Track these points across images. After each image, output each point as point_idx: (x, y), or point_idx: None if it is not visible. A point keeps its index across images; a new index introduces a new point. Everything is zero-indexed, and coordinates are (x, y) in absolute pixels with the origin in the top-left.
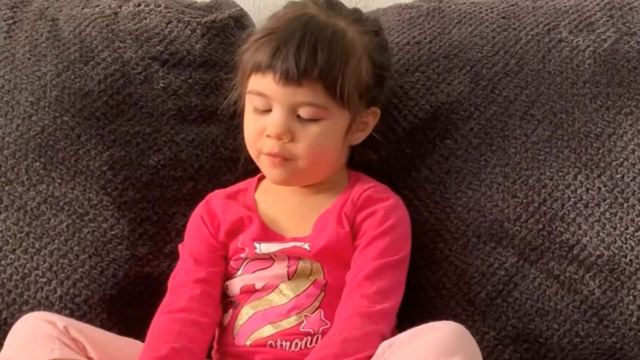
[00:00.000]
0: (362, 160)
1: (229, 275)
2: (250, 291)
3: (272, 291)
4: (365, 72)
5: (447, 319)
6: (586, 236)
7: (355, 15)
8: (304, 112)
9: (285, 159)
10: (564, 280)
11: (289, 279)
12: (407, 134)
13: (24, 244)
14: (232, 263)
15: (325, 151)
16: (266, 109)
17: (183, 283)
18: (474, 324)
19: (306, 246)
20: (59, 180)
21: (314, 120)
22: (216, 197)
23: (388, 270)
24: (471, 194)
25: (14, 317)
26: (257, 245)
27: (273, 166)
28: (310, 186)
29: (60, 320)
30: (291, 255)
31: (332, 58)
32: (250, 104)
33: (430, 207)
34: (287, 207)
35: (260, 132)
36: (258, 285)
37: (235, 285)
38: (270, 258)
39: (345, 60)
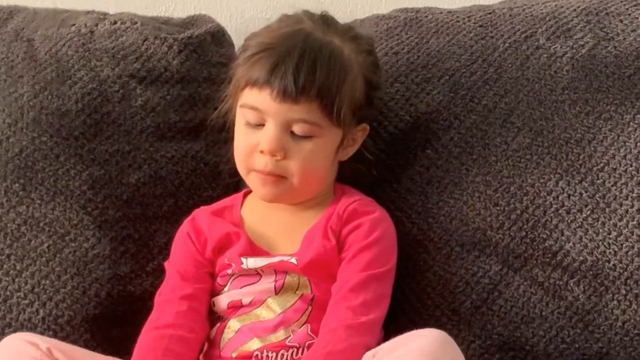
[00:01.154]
0: (352, 174)
1: (215, 292)
2: (237, 306)
3: (260, 306)
4: (359, 91)
5: (432, 328)
6: (569, 242)
7: (351, 34)
8: (297, 128)
9: (278, 178)
10: (548, 287)
11: (276, 294)
12: (387, 145)
13: (5, 265)
14: (219, 279)
15: (317, 168)
16: (259, 124)
17: (169, 299)
18: (459, 333)
19: (293, 260)
20: (38, 201)
21: (307, 137)
22: (202, 214)
23: (373, 282)
24: (453, 204)
25: None
26: (244, 260)
27: (264, 184)
28: (296, 204)
29: (43, 342)
30: (278, 270)
31: (330, 77)
32: (243, 117)
33: (413, 218)
34: (274, 224)
35: (252, 148)
36: (245, 301)
37: (222, 301)
38: (257, 273)
39: (342, 79)
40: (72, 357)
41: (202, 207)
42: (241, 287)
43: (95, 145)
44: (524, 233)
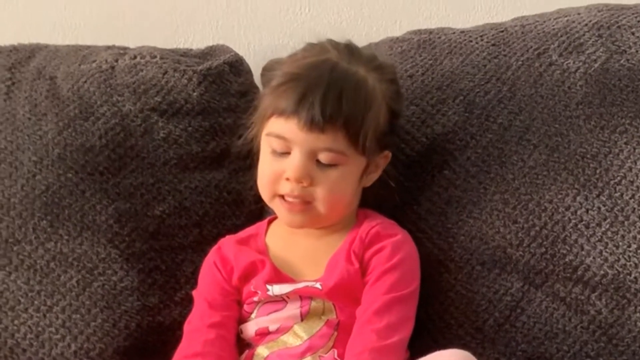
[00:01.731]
0: (375, 199)
1: (242, 319)
2: (264, 333)
3: (286, 332)
4: (382, 119)
5: (456, 347)
6: (589, 256)
7: (374, 63)
8: (323, 157)
9: (305, 204)
10: (570, 302)
11: (302, 320)
12: (405, 167)
13: (35, 302)
14: (245, 307)
15: (342, 196)
16: (284, 152)
17: (198, 328)
18: (484, 351)
19: (318, 285)
20: (66, 237)
21: (332, 165)
22: (228, 243)
23: (397, 304)
24: (473, 223)
25: None
26: (269, 287)
27: (290, 211)
28: (321, 228)
29: None
30: (303, 296)
31: (356, 107)
32: (268, 146)
33: (434, 239)
34: (298, 251)
35: (277, 175)
36: (272, 328)
37: (250, 329)
38: (282, 300)
39: (367, 109)
40: None
41: (227, 236)
42: (268, 314)
43: (119, 180)
44: (544, 249)
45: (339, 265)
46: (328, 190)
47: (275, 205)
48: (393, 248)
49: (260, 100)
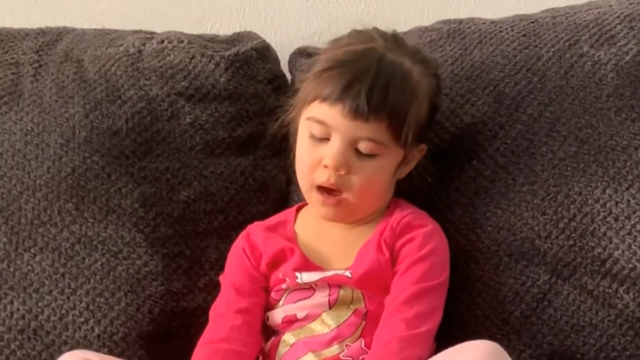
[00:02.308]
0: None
1: (270, 306)
2: (292, 321)
3: (314, 320)
4: (423, 113)
5: (482, 338)
6: (618, 249)
7: (420, 56)
8: (363, 146)
9: (338, 201)
10: (597, 295)
11: (330, 308)
12: (434, 157)
13: (60, 284)
14: (273, 294)
15: (376, 186)
16: (324, 137)
17: (224, 313)
18: (510, 342)
19: (347, 273)
20: (91, 220)
21: (371, 156)
22: (256, 229)
23: (426, 294)
24: (501, 214)
25: (53, 358)
26: (298, 275)
27: (325, 204)
28: (354, 220)
29: (99, 359)
30: (332, 284)
31: (402, 99)
32: (308, 130)
33: (461, 229)
34: (328, 240)
35: (316, 162)
36: (300, 315)
37: (277, 316)
38: (311, 287)
39: (412, 102)
40: None
41: (256, 223)
42: (295, 302)
43: (145, 164)
44: (572, 241)
45: (369, 254)
46: (364, 180)
47: (311, 197)
48: (424, 238)
49: (302, 84)
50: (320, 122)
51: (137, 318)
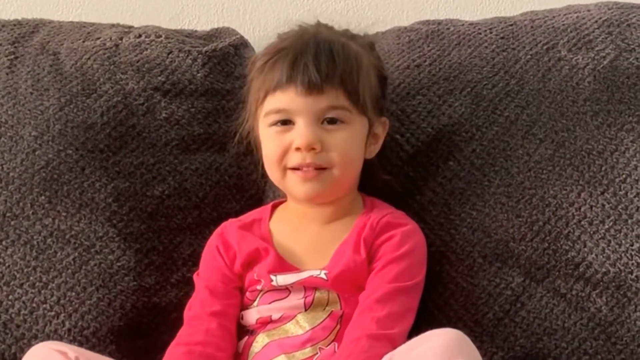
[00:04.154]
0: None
1: (244, 306)
2: (266, 322)
3: (289, 321)
4: (373, 81)
5: None
6: (592, 253)
7: (350, 33)
8: (329, 115)
9: (319, 171)
10: (570, 299)
11: (305, 310)
12: (410, 157)
13: (31, 278)
14: (248, 294)
15: (354, 157)
16: (287, 122)
17: (199, 315)
18: (482, 344)
19: (322, 275)
20: (64, 214)
21: (338, 126)
22: (230, 228)
23: (400, 294)
24: (475, 215)
25: (23, 352)
26: (273, 277)
27: (305, 180)
28: (327, 213)
29: (72, 351)
30: (307, 286)
31: (349, 64)
32: (268, 125)
33: (435, 229)
34: (304, 239)
35: (285, 148)
36: (275, 316)
37: (251, 316)
38: (286, 289)
39: (358, 67)
40: None
41: (230, 220)
42: (270, 303)
43: (120, 158)
44: (547, 244)
45: (345, 254)
46: (341, 152)
47: (288, 181)
48: (402, 237)
49: (248, 90)
50: (279, 111)
51: (109, 313)
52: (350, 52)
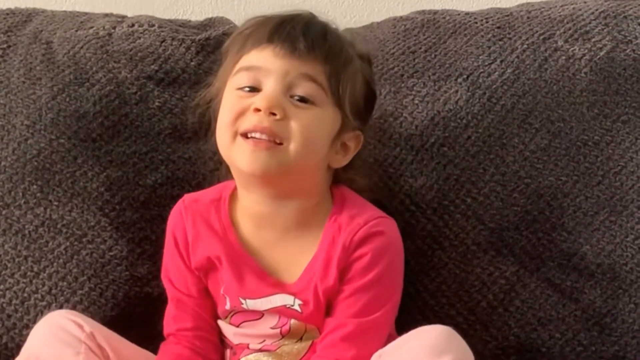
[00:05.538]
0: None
1: (216, 315)
2: (245, 347)
3: (272, 352)
4: (359, 86)
5: (447, 326)
6: (586, 245)
7: (349, 39)
8: (301, 89)
9: (272, 143)
10: (564, 289)
11: (282, 338)
12: (405, 140)
13: (22, 267)
14: (217, 306)
15: (316, 141)
16: (254, 87)
17: (172, 335)
18: (475, 333)
19: (297, 307)
20: (56, 203)
21: (308, 106)
22: (191, 213)
23: (369, 329)
24: (470, 202)
25: (14, 342)
26: (242, 301)
27: (255, 149)
28: (293, 212)
29: (87, 324)
30: (282, 314)
31: (338, 45)
32: (235, 89)
33: (428, 214)
34: (269, 238)
35: (242, 110)
36: (253, 345)
37: (227, 330)
38: (259, 311)
39: (346, 61)
40: (113, 346)
41: (189, 200)
42: (239, 325)
43: (112, 147)
44: (541, 234)
45: (314, 279)
46: (302, 127)
47: (235, 148)
48: (373, 256)
49: (224, 57)
50: (249, 68)
51: (100, 303)
52: (343, 43)
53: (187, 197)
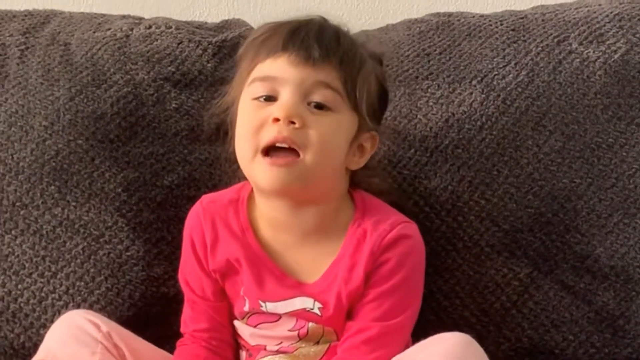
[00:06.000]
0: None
1: (233, 315)
2: (261, 348)
3: (290, 353)
4: (373, 87)
5: (461, 328)
6: (600, 247)
7: (361, 40)
8: (318, 95)
9: (291, 158)
10: (578, 291)
11: (299, 340)
12: (419, 142)
13: (40, 267)
14: (234, 307)
15: (334, 148)
16: (270, 96)
17: (189, 335)
18: (489, 334)
19: (316, 310)
20: (74, 203)
21: (325, 112)
22: (209, 217)
23: (391, 332)
24: (484, 204)
25: (32, 341)
26: (262, 304)
27: (273, 165)
28: (313, 217)
29: (104, 324)
30: (299, 317)
31: (352, 53)
32: (251, 99)
33: (442, 215)
34: (289, 241)
35: (262, 122)
36: (270, 347)
37: (244, 331)
38: (276, 314)
39: (361, 63)
40: (129, 345)
41: (207, 201)
42: (256, 326)
43: (130, 148)
44: (554, 237)
45: (337, 282)
46: (321, 134)
47: (256, 166)
48: (397, 262)
49: (238, 64)
50: (265, 78)
51: (117, 303)
52: (356, 46)
53: (205, 198)
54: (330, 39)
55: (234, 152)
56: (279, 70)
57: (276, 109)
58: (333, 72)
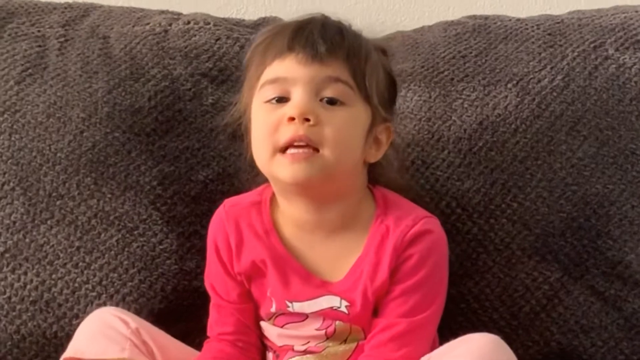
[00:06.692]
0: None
1: (259, 316)
2: (289, 349)
3: (317, 353)
4: (382, 77)
5: (490, 331)
6: (631, 253)
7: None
8: (329, 90)
9: (310, 152)
10: (608, 297)
11: (327, 339)
12: (453, 144)
13: (74, 258)
14: (261, 308)
15: (350, 142)
16: (283, 97)
17: (214, 338)
18: (518, 337)
19: (343, 308)
20: (109, 195)
21: (338, 106)
22: (229, 217)
23: (417, 328)
24: (516, 207)
25: (64, 331)
26: (289, 304)
27: (294, 161)
28: (335, 215)
29: (133, 321)
30: (327, 316)
31: (357, 45)
32: (263, 102)
33: (474, 217)
34: (312, 240)
35: (277, 122)
36: (298, 347)
37: (271, 332)
38: (303, 313)
39: (367, 54)
40: (158, 341)
41: (229, 204)
42: (283, 326)
43: (166, 142)
44: (586, 242)
45: (362, 279)
46: (337, 130)
47: (275, 164)
48: (420, 257)
49: (246, 67)
50: (275, 80)
51: (149, 295)
52: (360, 38)
53: (227, 202)
54: (335, 34)
55: (252, 158)
56: (288, 70)
57: (290, 108)
58: (341, 65)
